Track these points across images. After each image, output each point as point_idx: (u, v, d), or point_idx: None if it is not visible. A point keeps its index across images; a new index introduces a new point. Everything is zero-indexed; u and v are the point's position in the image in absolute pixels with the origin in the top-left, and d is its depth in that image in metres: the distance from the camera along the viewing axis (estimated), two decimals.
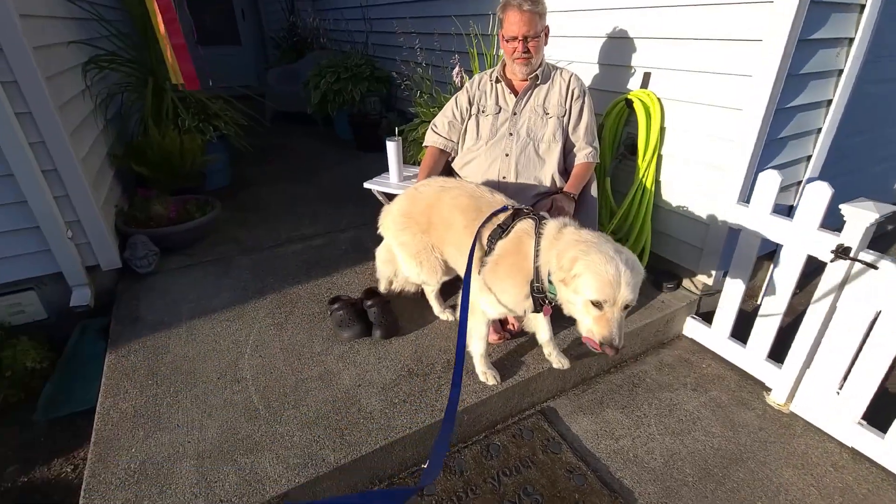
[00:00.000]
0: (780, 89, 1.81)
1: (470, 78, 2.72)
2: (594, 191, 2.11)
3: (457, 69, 2.71)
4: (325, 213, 3.32)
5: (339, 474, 1.51)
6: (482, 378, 1.81)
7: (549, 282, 1.45)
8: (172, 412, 1.69)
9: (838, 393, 1.75)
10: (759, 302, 2.14)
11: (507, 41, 1.95)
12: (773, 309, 1.92)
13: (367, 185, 2.62)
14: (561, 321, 2.09)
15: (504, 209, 1.63)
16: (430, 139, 2.13)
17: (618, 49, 2.31)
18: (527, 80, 2.01)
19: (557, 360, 1.89)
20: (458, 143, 2.13)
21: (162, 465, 1.50)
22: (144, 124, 3.14)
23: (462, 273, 1.61)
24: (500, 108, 2.04)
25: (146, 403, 1.73)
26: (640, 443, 1.78)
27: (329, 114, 4.73)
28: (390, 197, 2.68)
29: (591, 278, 1.29)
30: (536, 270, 1.48)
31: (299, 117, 5.51)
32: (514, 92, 2.05)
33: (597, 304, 1.31)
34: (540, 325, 1.87)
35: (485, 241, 1.60)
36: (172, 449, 1.55)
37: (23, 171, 2.07)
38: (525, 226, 1.55)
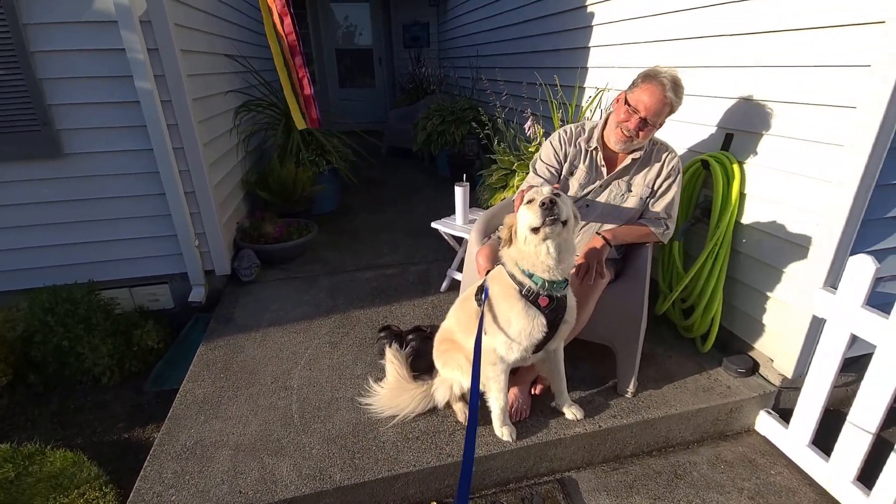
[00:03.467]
0: (881, 162, 1.54)
1: (542, 128, 2.78)
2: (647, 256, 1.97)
3: (529, 122, 2.77)
4: (405, 244, 3.58)
5: (341, 494, 1.63)
6: (498, 433, 1.79)
7: (529, 276, 1.54)
8: (229, 405, 1.99)
9: None
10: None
11: (628, 107, 1.76)
12: (864, 423, 1.59)
13: (434, 224, 2.80)
14: (581, 384, 2.01)
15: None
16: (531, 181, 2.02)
17: (699, 106, 2.18)
18: (625, 156, 1.89)
19: (569, 411, 1.86)
20: None
21: (208, 448, 1.78)
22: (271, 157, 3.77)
23: (467, 345, 1.76)
24: (592, 178, 1.95)
25: (213, 393, 2.06)
26: None
27: (432, 153, 5.11)
28: (456, 238, 2.82)
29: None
30: (513, 277, 1.58)
31: (410, 153, 6.02)
32: (607, 162, 1.93)
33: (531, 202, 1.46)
34: (555, 373, 1.85)
35: (476, 304, 1.70)
36: (219, 437, 1.83)
37: (172, 191, 2.65)
38: (494, 270, 1.71)
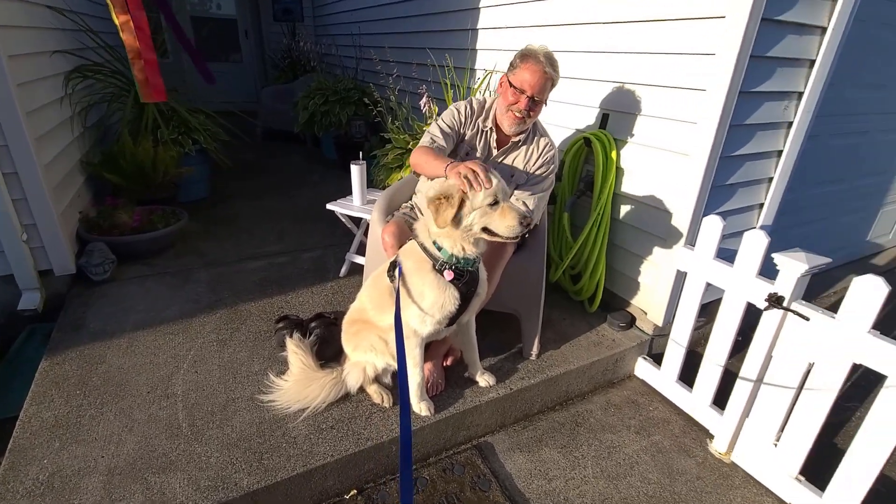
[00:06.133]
0: (724, 137, 1.85)
1: (436, 106, 2.78)
2: (545, 229, 2.10)
3: (424, 99, 2.77)
4: (295, 231, 3.33)
5: (251, 499, 1.46)
6: (416, 408, 1.77)
7: (439, 249, 1.56)
8: (93, 425, 1.65)
9: (776, 445, 1.72)
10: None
11: (514, 89, 1.78)
12: (716, 354, 1.91)
13: (330, 206, 2.64)
14: (489, 351, 2.11)
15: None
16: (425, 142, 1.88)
17: (580, 90, 2.37)
18: (511, 138, 1.93)
19: (482, 378, 1.93)
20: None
21: (70, 478, 1.45)
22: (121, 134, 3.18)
23: (381, 323, 1.73)
24: (484, 158, 1.97)
25: (69, 414, 1.69)
26: (573, 485, 1.74)
27: (316, 134, 4.82)
28: (353, 219, 2.71)
29: (481, 192, 1.44)
30: (424, 249, 1.57)
31: (290, 135, 5.60)
32: (499, 144, 1.96)
33: (493, 205, 1.45)
34: (468, 344, 1.90)
35: (389, 279, 1.67)
36: (84, 463, 1.51)
37: None
38: (406, 244, 1.68)
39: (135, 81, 2.68)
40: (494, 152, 1.97)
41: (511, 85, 1.80)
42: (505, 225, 1.44)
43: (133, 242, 2.68)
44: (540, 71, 1.76)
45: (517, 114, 1.82)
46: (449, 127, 1.92)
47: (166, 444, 1.59)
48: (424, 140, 1.87)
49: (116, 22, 2.56)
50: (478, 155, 1.97)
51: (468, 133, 1.97)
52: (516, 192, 1.92)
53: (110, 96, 3.36)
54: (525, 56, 1.80)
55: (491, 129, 1.95)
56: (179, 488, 1.44)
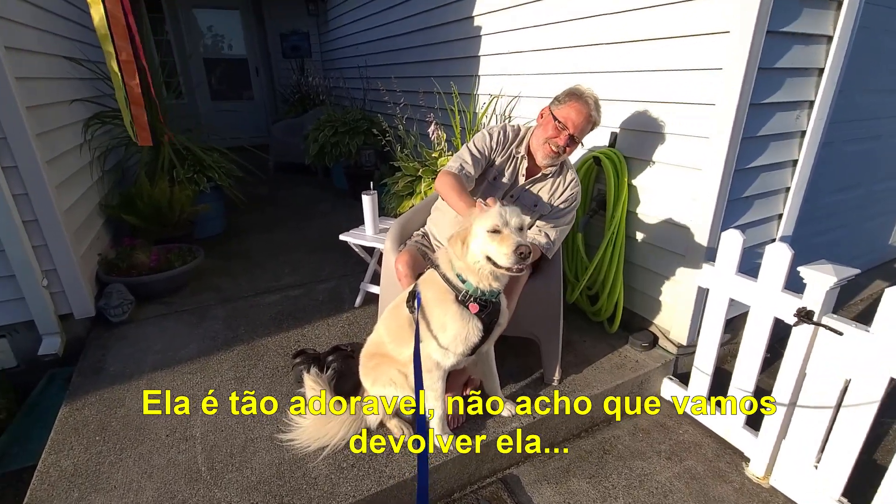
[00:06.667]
0: (737, 150, 1.83)
1: (444, 133, 2.81)
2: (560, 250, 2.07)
3: (433, 127, 2.80)
4: (308, 262, 3.34)
5: None
6: (438, 442, 1.73)
7: (463, 281, 1.53)
8: (113, 472, 1.64)
9: (816, 467, 1.63)
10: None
11: (556, 122, 1.79)
12: (746, 372, 1.84)
13: (342, 237, 2.65)
14: (509, 379, 2.06)
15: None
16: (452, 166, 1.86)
17: None
18: (541, 169, 1.93)
19: (505, 408, 1.88)
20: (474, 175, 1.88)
21: None
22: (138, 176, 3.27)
23: (400, 357, 1.70)
24: (510, 184, 1.96)
25: (88, 461, 1.68)
26: None
27: (327, 165, 4.90)
28: (367, 249, 2.71)
29: (481, 219, 1.43)
30: (447, 281, 1.54)
31: (301, 167, 5.70)
32: (528, 173, 1.95)
33: (495, 231, 1.41)
34: (488, 374, 1.86)
35: (409, 311, 1.63)
36: None
37: (3, 221, 2.13)
38: (425, 274, 1.65)
39: (132, 125, 2.71)
40: (522, 180, 1.95)
41: (554, 118, 1.81)
42: (501, 252, 1.38)
43: (150, 282, 2.71)
44: (586, 113, 1.79)
45: (553, 148, 1.82)
46: (479, 152, 1.91)
47: (186, 489, 1.57)
48: (453, 164, 1.86)
49: (116, 70, 2.59)
50: (504, 181, 1.95)
51: (498, 159, 1.95)
52: (539, 222, 1.91)
53: (128, 140, 3.45)
54: (573, 94, 1.82)
55: (523, 156, 1.93)
56: None
